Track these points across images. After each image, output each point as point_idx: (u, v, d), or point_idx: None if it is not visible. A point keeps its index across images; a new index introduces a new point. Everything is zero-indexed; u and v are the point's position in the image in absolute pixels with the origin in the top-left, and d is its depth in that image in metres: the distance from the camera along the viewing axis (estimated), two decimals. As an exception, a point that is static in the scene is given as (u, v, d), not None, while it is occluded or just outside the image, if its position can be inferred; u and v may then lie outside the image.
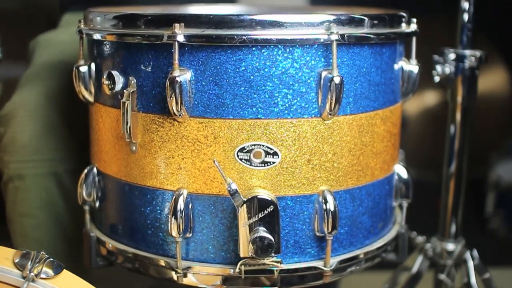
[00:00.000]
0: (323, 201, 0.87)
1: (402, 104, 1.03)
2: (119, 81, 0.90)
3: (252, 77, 0.84)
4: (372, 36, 0.89)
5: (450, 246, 1.23)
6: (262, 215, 0.83)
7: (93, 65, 0.95)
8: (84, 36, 0.95)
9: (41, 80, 1.20)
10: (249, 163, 0.85)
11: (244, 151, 0.85)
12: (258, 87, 0.84)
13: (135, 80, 0.88)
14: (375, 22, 0.90)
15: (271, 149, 0.85)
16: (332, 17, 0.85)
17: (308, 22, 0.84)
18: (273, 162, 0.85)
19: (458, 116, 1.18)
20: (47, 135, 1.15)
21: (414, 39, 1.00)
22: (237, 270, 0.86)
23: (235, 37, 0.82)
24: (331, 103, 0.85)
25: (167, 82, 0.83)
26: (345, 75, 0.87)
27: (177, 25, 0.82)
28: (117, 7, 1.03)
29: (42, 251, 0.82)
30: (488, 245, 1.71)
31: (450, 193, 1.22)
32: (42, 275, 0.80)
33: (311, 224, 0.89)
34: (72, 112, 1.17)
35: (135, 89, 0.88)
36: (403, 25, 0.97)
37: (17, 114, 1.15)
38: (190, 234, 0.88)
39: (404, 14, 0.97)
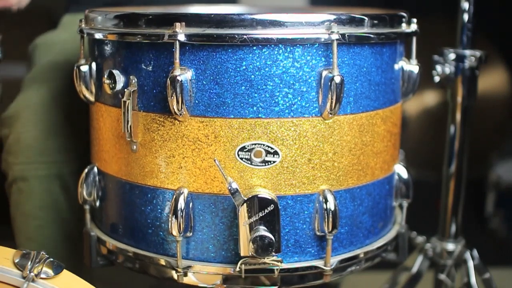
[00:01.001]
0: (324, 200, 0.87)
1: (402, 104, 1.03)
2: (120, 80, 0.90)
3: (252, 76, 0.84)
4: (372, 35, 0.89)
5: (450, 246, 1.23)
6: (263, 214, 0.83)
7: (94, 65, 0.95)
8: (85, 35, 0.95)
9: (44, 81, 1.20)
10: (249, 162, 0.85)
11: (245, 150, 0.85)
12: (259, 86, 0.84)
13: (136, 79, 0.88)
14: (376, 22, 0.90)
15: (271, 148, 0.85)
16: (332, 17, 0.85)
17: (308, 21, 0.84)
18: (274, 161, 0.86)
19: (458, 116, 1.18)
20: (51, 136, 1.15)
21: (414, 39, 1.00)
22: (237, 269, 0.86)
23: (236, 36, 0.82)
24: (331, 103, 0.85)
25: (168, 81, 0.83)
26: (346, 75, 0.87)
27: (178, 24, 0.82)
28: (118, 7, 1.03)
29: (42, 251, 0.82)
30: (488, 245, 1.71)
31: (450, 193, 1.22)
32: (42, 275, 0.80)
33: (312, 224, 0.89)
34: (76, 113, 1.17)
35: (136, 88, 0.88)
36: (403, 25, 0.97)
37: (21, 115, 1.14)
38: (191, 233, 0.88)
39: (404, 14, 0.97)
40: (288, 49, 0.84)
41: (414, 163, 1.99)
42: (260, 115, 0.85)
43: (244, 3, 1.64)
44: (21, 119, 1.14)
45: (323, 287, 0.99)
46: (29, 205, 1.15)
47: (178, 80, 0.82)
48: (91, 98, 0.96)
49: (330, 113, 0.86)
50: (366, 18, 0.88)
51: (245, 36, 0.82)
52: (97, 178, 0.99)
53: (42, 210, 1.16)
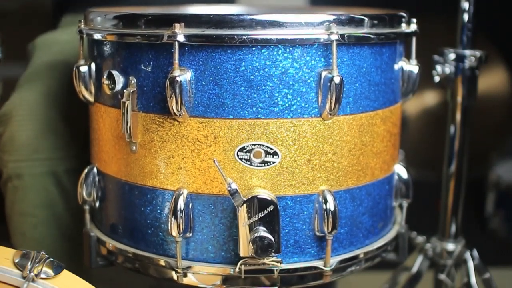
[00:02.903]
0: (323, 201, 0.87)
1: (402, 104, 1.03)
2: (119, 81, 0.90)
3: (252, 77, 0.84)
4: (372, 36, 0.89)
5: (450, 246, 1.23)
6: (262, 214, 0.83)
7: (93, 65, 0.95)
8: (85, 36, 0.95)
9: (40, 79, 1.20)
10: (249, 163, 0.85)
11: (244, 151, 0.85)
12: (258, 87, 0.84)
13: (135, 80, 0.88)
14: (375, 22, 0.90)
15: (271, 149, 0.85)
16: (332, 17, 0.85)
17: (308, 22, 0.84)
18: (273, 162, 0.86)
19: (458, 116, 1.18)
20: (46, 134, 1.15)
21: (414, 39, 1.00)
22: (237, 269, 0.86)
23: (235, 37, 0.82)
24: (331, 103, 0.85)
25: (167, 82, 0.83)
26: (345, 75, 0.87)
27: (177, 25, 0.82)
28: (117, 7, 1.03)
29: (42, 251, 0.82)
30: (488, 245, 1.70)
31: (450, 193, 1.22)
32: (42, 275, 0.80)
33: (311, 224, 0.89)
34: (72, 111, 1.17)
35: (135, 89, 0.88)
36: (403, 25, 0.97)
37: (16, 113, 1.15)
38: (190, 234, 0.88)
39: (404, 14, 0.97)
40: (288, 50, 0.84)
41: (414, 163, 2.00)
42: (259, 116, 0.85)
43: (243, 3, 1.64)
44: (15, 117, 1.14)
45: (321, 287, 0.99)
46: (24, 203, 1.15)
47: (177, 80, 0.82)
48: (91, 98, 0.96)
49: (330, 114, 0.86)
50: (365, 18, 0.88)
51: (244, 37, 0.82)
52: (96, 179, 0.99)
53: (38, 208, 1.16)
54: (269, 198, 0.83)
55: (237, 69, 0.84)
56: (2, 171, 1.16)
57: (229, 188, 0.83)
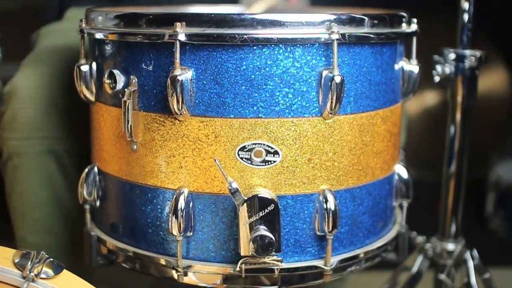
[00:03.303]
0: (324, 200, 0.87)
1: (402, 104, 1.03)
2: (120, 80, 0.90)
3: (253, 76, 0.84)
4: (372, 35, 0.89)
5: (450, 246, 1.23)
6: (263, 213, 0.83)
7: (94, 64, 0.95)
8: (86, 35, 0.95)
9: (43, 60, 1.19)
10: (250, 162, 0.85)
11: (245, 150, 0.85)
12: (259, 86, 0.84)
13: (136, 79, 0.88)
14: (376, 22, 0.90)
15: (272, 148, 0.85)
16: (333, 17, 0.85)
17: (309, 21, 0.84)
18: (274, 161, 0.86)
19: (458, 116, 1.18)
20: (48, 113, 1.14)
21: (414, 39, 1.01)
22: (237, 269, 0.86)
23: (236, 36, 0.82)
24: (331, 103, 0.85)
25: (168, 81, 0.83)
26: (346, 75, 0.87)
27: (178, 24, 0.82)
28: (118, 7, 1.03)
29: (42, 251, 0.82)
30: (488, 245, 1.71)
31: (450, 193, 1.22)
32: (42, 275, 0.80)
33: (312, 223, 0.89)
34: (73, 92, 1.16)
35: (136, 88, 0.88)
36: (404, 25, 0.97)
37: (18, 91, 1.14)
38: (191, 233, 0.88)
39: (405, 14, 0.97)
40: (289, 49, 0.84)
41: (414, 163, 2.00)
42: (260, 115, 0.85)
43: (244, 3, 1.64)
44: (17, 96, 1.13)
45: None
46: (24, 182, 1.14)
47: (178, 80, 0.82)
48: (92, 98, 0.96)
49: (330, 113, 0.86)
50: (366, 18, 0.89)
51: (245, 36, 0.82)
52: (97, 178, 0.99)
53: (38, 187, 1.15)
54: (270, 197, 0.83)
55: (238, 68, 0.84)
56: (2, 150, 1.16)
57: (229, 187, 0.83)
